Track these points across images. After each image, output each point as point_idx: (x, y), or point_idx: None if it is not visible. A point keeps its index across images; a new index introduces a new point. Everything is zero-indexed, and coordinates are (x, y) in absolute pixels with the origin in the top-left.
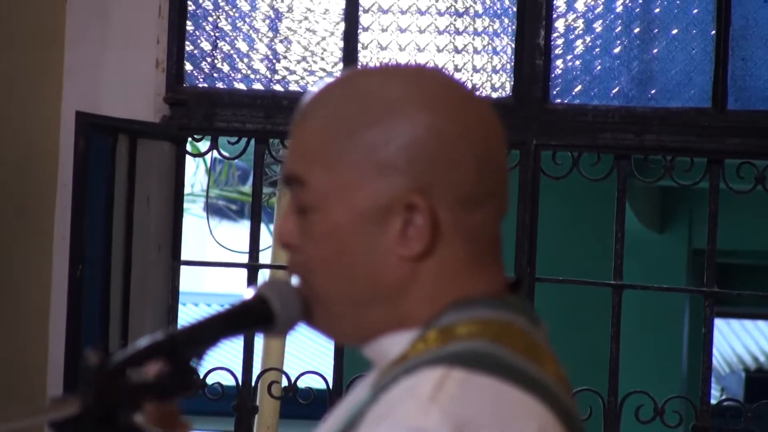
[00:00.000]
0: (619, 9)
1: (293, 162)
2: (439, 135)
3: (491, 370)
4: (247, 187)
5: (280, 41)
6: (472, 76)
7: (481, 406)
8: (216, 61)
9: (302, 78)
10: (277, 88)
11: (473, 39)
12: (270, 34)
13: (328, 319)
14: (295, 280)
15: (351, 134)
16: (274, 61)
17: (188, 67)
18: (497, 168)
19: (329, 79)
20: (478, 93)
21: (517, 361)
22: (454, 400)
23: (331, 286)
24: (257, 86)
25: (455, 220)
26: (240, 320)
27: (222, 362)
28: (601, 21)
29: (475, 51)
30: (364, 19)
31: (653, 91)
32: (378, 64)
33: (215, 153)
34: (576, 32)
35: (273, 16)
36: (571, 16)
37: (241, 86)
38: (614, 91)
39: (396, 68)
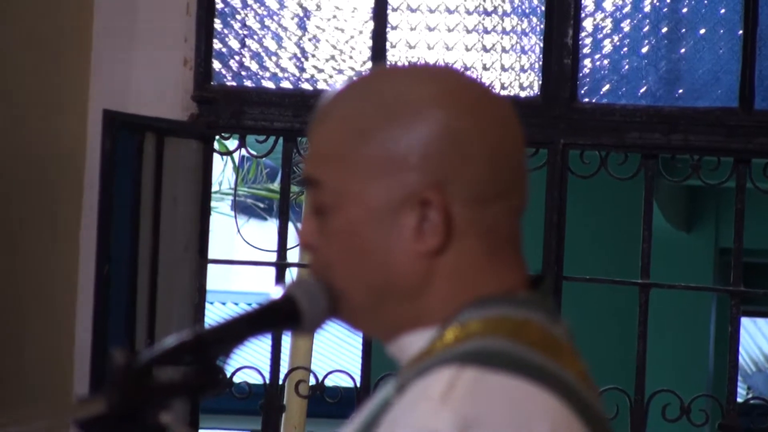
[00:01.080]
0: (647, 9)
1: (310, 164)
2: (453, 132)
3: (504, 367)
4: (276, 185)
5: (309, 40)
6: (500, 75)
7: (493, 404)
8: (244, 60)
9: (331, 77)
10: (306, 86)
11: (501, 38)
12: (298, 33)
13: (351, 315)
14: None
15: (364, 133)
16: (303, 59)
17: (216, 65)
18: (513, 165)
19: (343, 81)
20: (494, 90)
21: (532, 357)
22: (465, 400)
23: (350, 284)
24: (285, 85)
25: (470, 216)
26: (267, 319)
27: (249, 361)
28: (629, 20)
29: (504, 50)
30: (392, 18)
31: (680, 91)
32: (395, 65)
33: (243, 151)
34: (604, 32)
35: (301, 14)
36: (599, 16)
37: (270, 84)
38: (642, 90)
39: (409, 67)
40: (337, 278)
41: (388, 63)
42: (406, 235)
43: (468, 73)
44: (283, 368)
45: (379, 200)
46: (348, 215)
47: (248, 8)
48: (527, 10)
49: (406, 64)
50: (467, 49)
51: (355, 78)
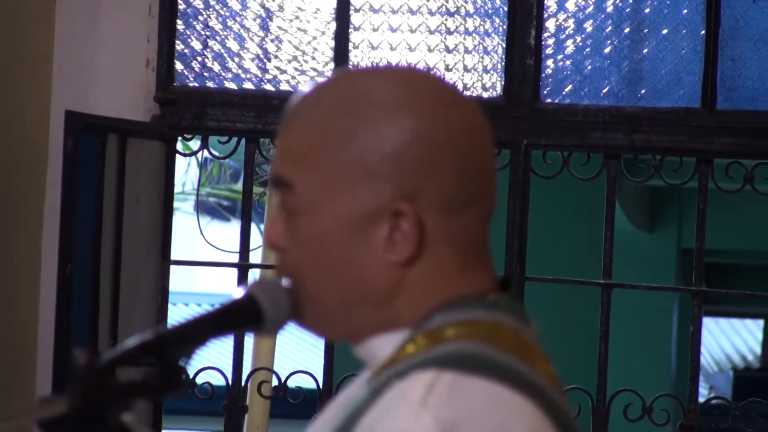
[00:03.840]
0: (609, 9)
1: (281, 164)
2: (424, 141)
3: (482, 371)
4: (239, 185)
5: (271, 40)
6: (462, 75)
7: (472, 407)
8: (206, 60)
9: (293, 77)
10: (268, 87)
11: (464, 39)
12: (261, 34)
13: (317, 319)
14: (284, 281)
15: (338, 138)
16: (265, 60)
17: (179, 66)
18: (483, 172)
19: (318, 80)
20: (466, 95)
21: (507, 361)
22: (444, 403)
23: (319, 288)
24: (248, 86)
25: (441, 225)
26: (229, 319)
27: (212, 362)
28: (591, 21)
29: (466, 51)
30: (355, 19)
31: (643, 91)
32: (366, 66)
33: (206, 152)
34: (566, 32)
35: (264, 15)
36: (561, 16)
37: (232, 85)
38: (604, 90)
39: (384, 70)
40: (307, 283)
41: (351, 64)
42: (378, 245)
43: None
44: (246, 369)
45: (351, 210)
46: (319, 223)
47: (210, 9)
48: (490, 11)
49: (380, 65)
50: (430, 50)
51: (326, 79)
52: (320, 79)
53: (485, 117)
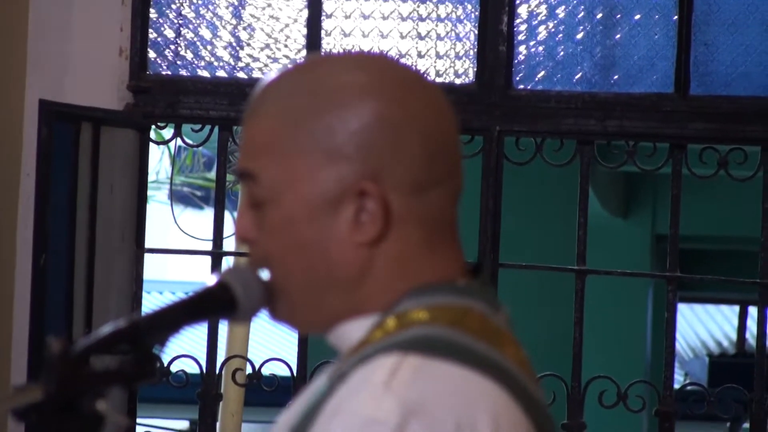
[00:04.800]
0: None
1: (244, 157)
2: (386, 121)
3: (447, 354)
4: (213, 174)
5: (244, 28)
6: (435, 62)
7: (435, 390)
8: (179, 49)
9: (266, 65)
10: (241, 75)
11: (436, 25)
12: (233, 22)
13: (289, 309)
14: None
15: (298, 124)
16: (238, 48)
17: (152, 54)
18: (447, 151)
19: (274, 71)
20: (427, 78)
21: (474, 345)
22: (407, 386)
23: (289, 276)
24: (221, 74)
25: (407, 205)
26: (202, 307)
27: (186, 350)
28: (563, 7)
29: (438, 37)
30: (327, 6)
31: (616, 77)
32: (326, 53)
33: (179, 141)
34: (539, 18)
35: (236, 3)
36: (533, 2)
37: (205, 74)
38: (577, 76)
39: (341, 56)
40: (274, 270)
41: (324, 51)
42: (344, 226)
43: (402, 60)
44: (220, 357)
45: (316, 192)
46: (285, 209)
47: None
48: None
49: (339, 52)
50: (402, 37)
51: (286, 68)
52: (275, 72)
53: (448, 99)
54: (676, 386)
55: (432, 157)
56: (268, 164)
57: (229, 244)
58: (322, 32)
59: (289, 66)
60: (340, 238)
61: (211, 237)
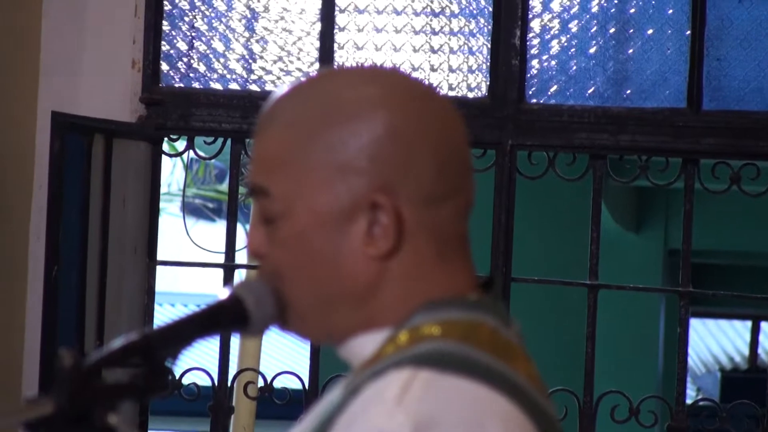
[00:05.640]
0: (594, 9)
1: (256, 172)
2: (398, 134)
3: (459, 369)
4: (225, 186)
5: (257, 41)
6: (447, 76)
7: (447, 405)
8: (192, 61)
9: (278, 78)
10: (254, 88)
11: (449, 39)
12: (246, 34)
13: (301, 322)
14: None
15: (310, 138)
16: (251, 61)
17: (164, 66)
18: (459, 164)
19: (285, 85)
20: (437, 90)
21: (486, 360)
22: (419, 401)
23: (301, 290)
24: (233, 86)
25: (419, 218)
26: (215, 320)
27: (198, 362)
28: (576, 21)
29: (451, 51)
30: (340, 19)
31: (628, 91)
32: (338, 66)
33: (191, 153)
34: (552, 32)
35: (249, 15)
36: (546, 17)
37: (218, 86)
38: (590, 91)
39: (352, 70)
40: (287, 284)
41: (336, 64)
42: (357, 240)
43: (415, 74)
44: (232, 370)
45: (328, 206)
46: (297, 223)
47: (196, 10)
48: (475, 11)
49: (351, 66)
50: (415, 50)
51: (297, 82)
52: (285, 87)
53: (459, 113)
54: (689, 401)
55: (443, 170)
56: (279, 178)
57: (242, 256)
58: (335, 45)
59: (301, 79)
60: (352, 252)
61: (223, 249)
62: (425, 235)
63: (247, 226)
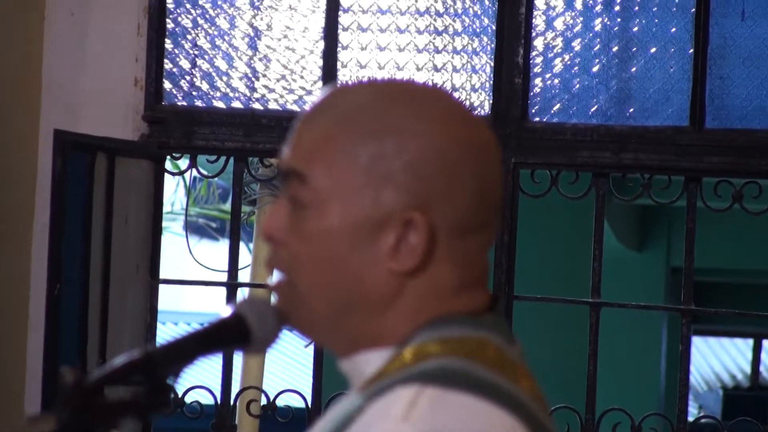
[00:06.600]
0: (597, 28)
1: (295, 157)
2: (445, 158)
3: (464, 386)
4: (228, 205)
5: (260, 60)
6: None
7: (453, 421)
8: (195, 80)
9: (281, 96)
10: (257, 106)
11: (452, 57)
12: (249, 53)
13: (308, 321)
14: (276, 277)
15: (360, 140)
16: (254, 79)
17: (167, 85)
18: (493, 199)
19: (353, 80)
20: (485, 122)
21: (490, 377)
22: (426, 418)
23: (315, 286)
24: (236, 105)
25: (448, 244)
26: (217, 338)
27: (201, 381)
28: (579, 40)
29: (455, 69)
30: (343, 38)
31: (631, 110)
32: (399, 78)
33: (194, 171)
34: (555, 51)
35: (252, 34)
36: (549, 35)
37: (220, 104)
38: (593, 109)
39: (415, 85)
40: (301, 277)
41: (339, 82)
42: (382, 251)
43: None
44: (235, 388)
45: (362, 212)
46: (327, 219)
47: (199, 28)
48: (478, 30)
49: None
50: (418, 69)
51: (359, 81)
52: (339, 86)
53: (500, 148)
54: (690, 419)
55: (479, 202)
56: (320, 170)
57: (244, 275)
58: (338, 64)
59: (354, 82)
60: (375, 262)
61: (225, 268)
62: (451, 262)
63: (251, 245)
